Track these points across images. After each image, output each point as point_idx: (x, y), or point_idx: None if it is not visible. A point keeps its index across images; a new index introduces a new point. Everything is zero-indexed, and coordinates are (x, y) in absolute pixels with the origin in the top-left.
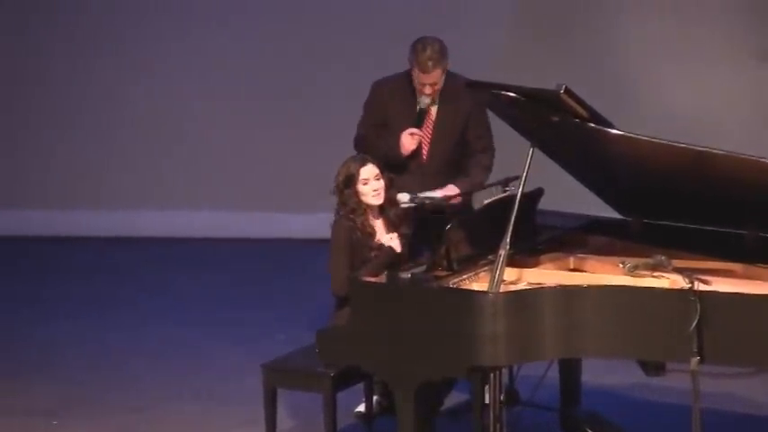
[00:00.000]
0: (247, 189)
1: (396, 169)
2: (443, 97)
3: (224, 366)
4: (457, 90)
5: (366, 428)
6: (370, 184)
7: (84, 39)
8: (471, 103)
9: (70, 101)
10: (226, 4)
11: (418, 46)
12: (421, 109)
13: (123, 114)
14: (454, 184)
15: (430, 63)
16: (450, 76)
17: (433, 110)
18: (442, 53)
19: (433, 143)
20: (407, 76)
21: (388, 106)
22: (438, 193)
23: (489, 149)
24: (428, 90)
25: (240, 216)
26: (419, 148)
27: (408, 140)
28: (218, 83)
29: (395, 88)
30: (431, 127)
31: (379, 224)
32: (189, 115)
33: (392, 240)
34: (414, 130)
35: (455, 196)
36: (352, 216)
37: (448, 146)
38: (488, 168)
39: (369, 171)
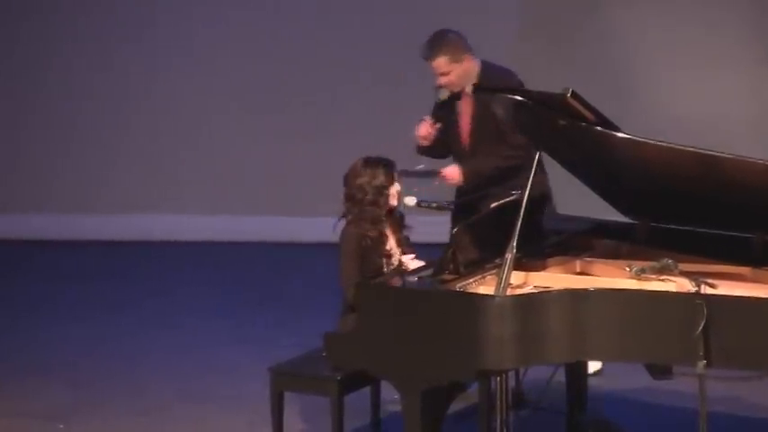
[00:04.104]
0: (251, 192)
1: (442, 160)
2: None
3: (229, 370)
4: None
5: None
6: (393, 188)
7: (86, 42)
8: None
9: (71, 104)
10: (231, 7)
11: (429, 38)
12: (436, 101)
13: (125, 118)
14: (461, 166)
15: (427, 51)
16: (487, 70)
17: (469, 102)
18: (442, 42)
19: (472, 135)
20: None
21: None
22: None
23: (516, 141)
24: (438, 80)
25: (244, 219)
26: (457, 139)
27: (419, 126)
28: (222, 86)
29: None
30: (469, 120)
31: (388, 230)
32: (191, 119)
33: (410, 260)
34: (426, 117)
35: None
36: (374, 224)
37: (486, 137)
38: (503, 157)
39: (393, 176)
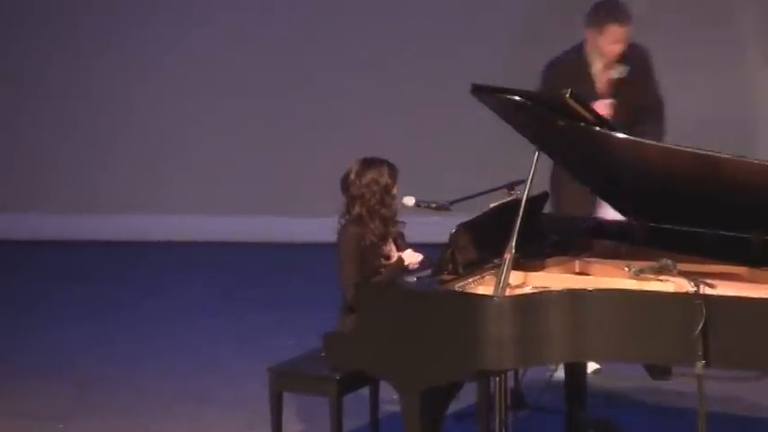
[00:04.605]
0: (250, 193)
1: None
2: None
3: (228, 370)
4: (629, 56)
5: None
6: (396, 188)
7: (83, 42)
8: (635, 66)
9: (69, 104)
10: (225, 6)
11: (606, 5)
12: (617, 78)
13: (123, 118)
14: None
15: (622, 17)
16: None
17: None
18: (628, 11)
19: (618, 110)
20: (577, 51)
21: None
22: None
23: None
24: (614, 49)
25: (242, 220)
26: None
27: (596, 106)
28: (218, 85)
29: (568, 66)
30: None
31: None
32: (190, 118)
33: (409, 254)
34: (607, 101)
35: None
36: (384, 224)
37: (628, 111)
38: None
39: (396, 176)
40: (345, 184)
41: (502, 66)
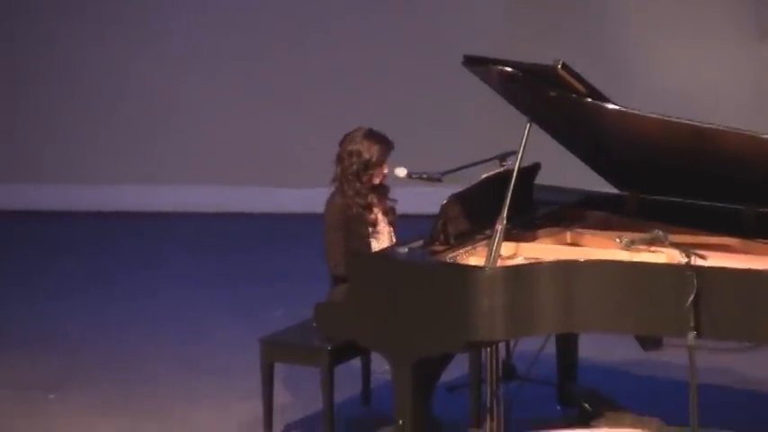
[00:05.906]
0: (244, 164)
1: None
2: None
3: (221, 341)
4: None
5: (363, 403)
6: (381, 168)
7: (78, 21)
8: None
9: (64, 77)
10: None
11: None
12: None
13: (118, 89)
14: None
15: None
16: None
17: None
18: None
19: None
20: None
21: None
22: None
23: None
24: None
25: (235, 190)
26: None
27: None
28: (212, 58)
29: None
30: None
31: (374, 200)
32: (185, 89)
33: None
34: None
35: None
36: (354, 196)
37: None
38: None
39: (386, 158)
40: (342, 140)
41: (496, 37)
